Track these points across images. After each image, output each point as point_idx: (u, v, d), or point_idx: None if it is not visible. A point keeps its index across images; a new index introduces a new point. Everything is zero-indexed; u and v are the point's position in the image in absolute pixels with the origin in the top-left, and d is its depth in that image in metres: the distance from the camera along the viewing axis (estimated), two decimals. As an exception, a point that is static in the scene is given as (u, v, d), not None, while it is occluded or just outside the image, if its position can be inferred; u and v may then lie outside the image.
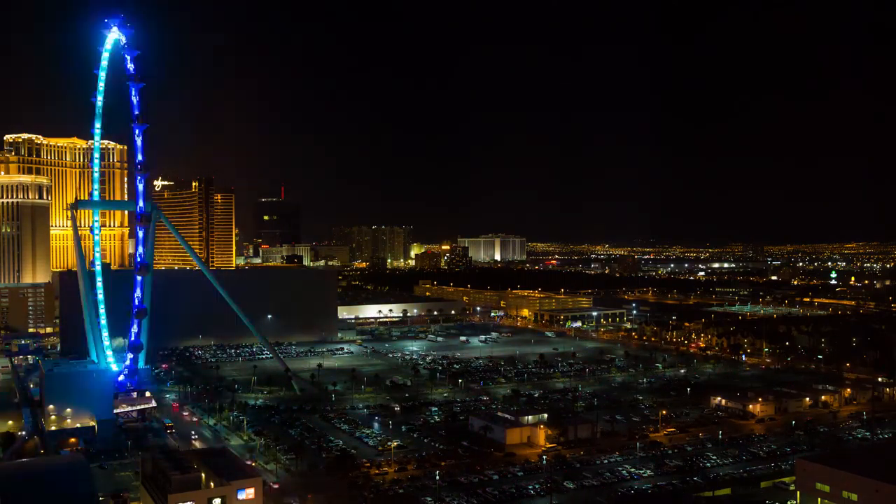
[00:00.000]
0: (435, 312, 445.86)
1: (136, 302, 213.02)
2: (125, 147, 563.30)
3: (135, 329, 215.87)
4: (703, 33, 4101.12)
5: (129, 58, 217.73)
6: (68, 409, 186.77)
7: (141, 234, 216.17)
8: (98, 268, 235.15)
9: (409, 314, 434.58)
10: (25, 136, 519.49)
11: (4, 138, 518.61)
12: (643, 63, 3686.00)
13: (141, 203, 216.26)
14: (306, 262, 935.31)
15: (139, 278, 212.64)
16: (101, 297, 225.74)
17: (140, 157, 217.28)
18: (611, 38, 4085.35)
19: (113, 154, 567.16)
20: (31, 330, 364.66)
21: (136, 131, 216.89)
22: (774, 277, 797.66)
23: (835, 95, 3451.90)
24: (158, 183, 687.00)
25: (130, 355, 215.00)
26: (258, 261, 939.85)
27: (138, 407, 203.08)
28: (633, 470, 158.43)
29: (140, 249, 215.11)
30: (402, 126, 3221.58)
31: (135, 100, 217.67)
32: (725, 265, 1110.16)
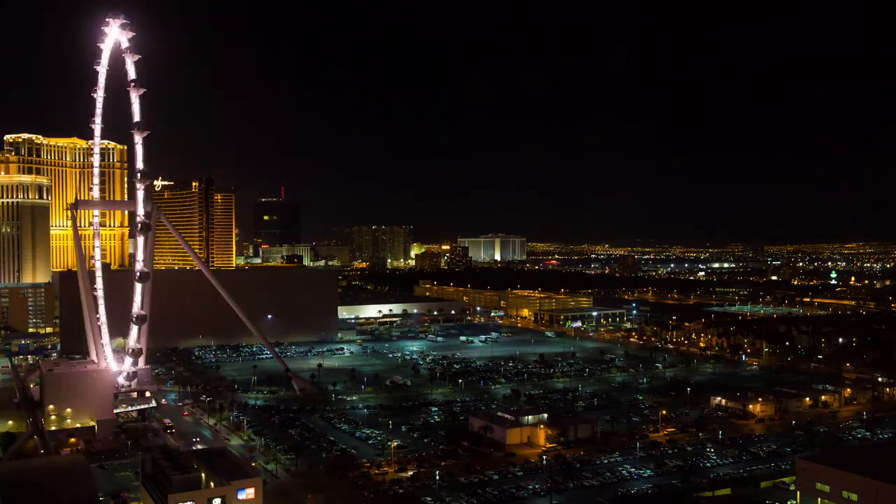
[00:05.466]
0: (435, 312, 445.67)
1: (136, 308, 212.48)
2: (125, 147, 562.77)
3: (134, 335, 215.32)
4: (704, 33, 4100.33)
5: (129, 62, 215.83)
6: (68, 409, 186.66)
7: (140, 242, 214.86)
8: (98, 268, 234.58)
9: (409, 314, 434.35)
10: (25, 136, 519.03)
11: (4, 138, 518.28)
12: (644, 63, 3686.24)
13: (141, 212, 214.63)
14: (306, 262, 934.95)
15: (139, 286, 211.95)
16: (100, 296, 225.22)
17: (140, 166, 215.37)
18: (611, 38, 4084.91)
19: (113, 154, 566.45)
20: (31, 330, 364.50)
21: (137, 139, 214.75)
22: (774, 277, 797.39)
23: (835, 95, 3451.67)
24: (158, 183, 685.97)
25: (129, 360, 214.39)
26: (258, 261, 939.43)
27: (138, 407, 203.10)
28: (633, 470, 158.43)
29: (140, 258, 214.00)
30: (403, 126, 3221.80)
31: (135, 107, 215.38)
32: (725, 265, 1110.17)
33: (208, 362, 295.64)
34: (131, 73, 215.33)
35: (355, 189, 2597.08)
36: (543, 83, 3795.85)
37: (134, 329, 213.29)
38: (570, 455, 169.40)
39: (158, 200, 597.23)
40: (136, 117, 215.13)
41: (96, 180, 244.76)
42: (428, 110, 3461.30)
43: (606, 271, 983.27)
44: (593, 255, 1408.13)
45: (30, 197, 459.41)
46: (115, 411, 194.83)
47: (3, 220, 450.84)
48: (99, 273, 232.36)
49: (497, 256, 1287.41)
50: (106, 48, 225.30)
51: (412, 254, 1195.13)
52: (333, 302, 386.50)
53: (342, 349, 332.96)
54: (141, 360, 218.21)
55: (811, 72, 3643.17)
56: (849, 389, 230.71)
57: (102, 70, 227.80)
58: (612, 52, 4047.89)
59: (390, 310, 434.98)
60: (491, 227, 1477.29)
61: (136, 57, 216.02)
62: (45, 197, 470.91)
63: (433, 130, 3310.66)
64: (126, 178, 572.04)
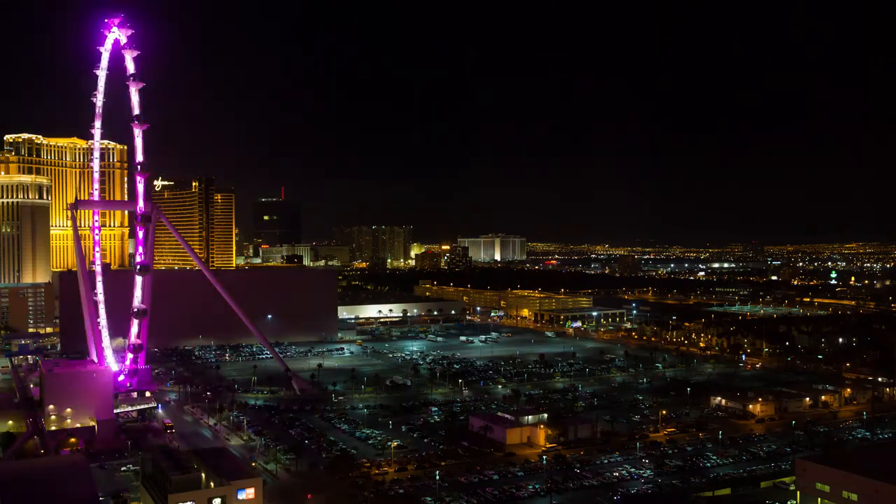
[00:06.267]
0: (435, 312, 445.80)
1: (136, 302, 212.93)
2: (125, 147, 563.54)
3: (134, 329, 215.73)
4: (704, 32, 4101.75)
5: (128, 57, 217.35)
6: (68, 409, 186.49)
7: (141, 234, 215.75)
8: (98, 268, 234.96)
9: (409, 314, 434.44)
10: (25, 136, 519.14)
11: (4, 138, 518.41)
12: (644, 63, 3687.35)
13: (141, 204, 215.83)
14: (306, 262, 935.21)
15: (139, 279, 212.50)
16: (101, 296, 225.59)
17: (140, 158, 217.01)
18: (611, 38, 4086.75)
19: (113, 154, 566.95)
20: (31, 330, 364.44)
21: (136, 132, 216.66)
22: (774, 277, 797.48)
23: (835, 95, 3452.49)
24: (158, 183, 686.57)
25: (130, 355, 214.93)
26: (258, 261, 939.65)
27: (138, 407, 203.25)
28: (633, 470, 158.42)
29: (140, 250, 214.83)
30: (403, 126, 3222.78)
31: (135, 100, 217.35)
32: (725, 265, 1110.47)
33: (208, 362, 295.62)
34: (130, 68, 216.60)
35: (355, 189, 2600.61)
36: (543, 83, 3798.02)
37: (134, 324, 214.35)
38: (570, 455, 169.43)
39: (158, 200, 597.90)
40: (136, 111, 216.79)
41: (96, 183, 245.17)
42: (428, 110, 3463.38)
43: (606, 271, 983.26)
44: (593, 255, 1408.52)
45: (30, 197, 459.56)
46: (115, 411, 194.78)
47: (3, 220, 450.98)
48: (99, 273, 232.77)
49: (497, 256, 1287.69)
50: (105, 51, 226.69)
51: (412, 254, 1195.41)
52: (333, 302, 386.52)
53: (342, 349, 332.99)
54: (141, 357, 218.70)
55: (811, 71, 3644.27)
56: (849, 389, 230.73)
57: (102, 74, 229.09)
58: (612, 53, 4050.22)
59: (390, 310, 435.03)
60: (491, 227, 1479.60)
61: (135, 53, 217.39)
62: (45, 197, 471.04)
63: (433, 130, 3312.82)
64: (126, 178, 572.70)
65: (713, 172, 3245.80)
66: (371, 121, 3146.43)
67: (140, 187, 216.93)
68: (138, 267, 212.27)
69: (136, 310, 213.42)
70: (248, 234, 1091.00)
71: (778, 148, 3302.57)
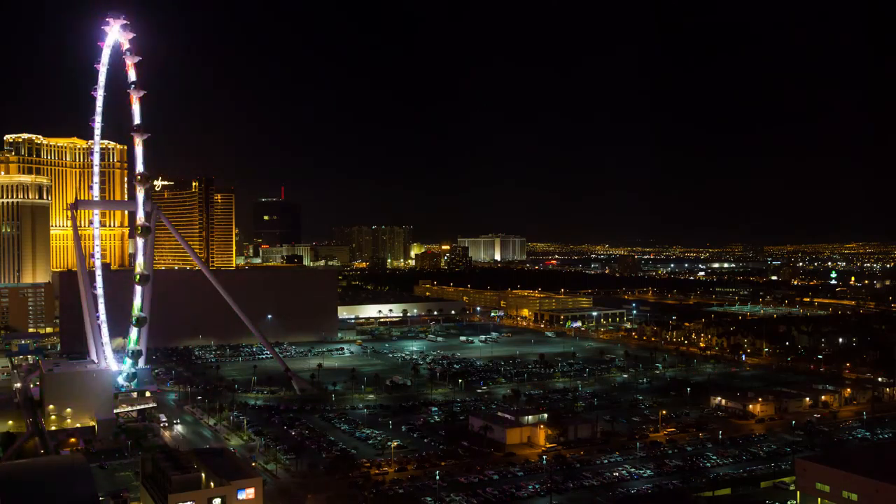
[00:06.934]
0: (435, 312, 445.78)
1: (136, 310, 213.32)
2: (125, 147, 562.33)
3: (133, 336, 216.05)
4: (705, 32, 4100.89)
5: (130, 64, 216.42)
6: (68, 409, 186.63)
7: (140, 244, 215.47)
8: (98, 268, 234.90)
9: (409, 314, 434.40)
10: (25, 136, 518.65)
11: (4, 138, 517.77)
12: (644, 63, 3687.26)
13: (141, 215, 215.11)
14: (306, 262, 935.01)
15: (139, 288, 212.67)
16: (100, 296, 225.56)
17: (140, 168, 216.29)
18: (610, 39, 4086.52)
19: (113, 154, 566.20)
20: (31, 330, 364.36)
21: (137, 141, 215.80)
22: (774, 277, 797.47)
23: (835, 94, 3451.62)
24: (158, 183, 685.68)
25: (129, 360, 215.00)
26: (258, 261, 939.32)
27: (138, 407, 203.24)
28: (633, 470, 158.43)
29: (140, 260, 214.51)
30: (403, 126, 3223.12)
31: (136, 109, 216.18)
32: (725, 265, 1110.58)
33: (208, 362, 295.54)
34: (132, 76, 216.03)
35: (355, 189, 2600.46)
36: (544, 83, 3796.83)
37: (133, 331, 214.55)
38: (570, 455, 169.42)
39: (158, 200, 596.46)
40: (137, 120, 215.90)
41: (96, 179, 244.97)
42: (428, 110, 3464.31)
43: (606, 271, 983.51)
44: (593, 255, 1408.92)
45: (30, 197, 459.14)
46: (115, 411, 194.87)
47: (3, 220, 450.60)
48: (99, 273, 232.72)
49: (497, 256, 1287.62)
50: (106, 47, 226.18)
51: (412, 254, 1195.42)
52: (333, 302, 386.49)
53: (342, 349, 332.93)
54: (141, 361, 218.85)
55: (810, 71, 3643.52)
56: (849, 389, 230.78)
57: (103, 69, 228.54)
58: (612, 53, 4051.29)
59: (390, 310, 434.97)
60: (491, 227, 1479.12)
61: (137, 59, 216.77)
62: (45, 197, 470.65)
63: (433, 130, 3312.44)
64: (126, 179, 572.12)
65: (713, 172, 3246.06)
66: (371, 121, 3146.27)
67: (140, 198, 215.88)
68: (138, 277, 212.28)
69: (135, 318, 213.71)
70: (248, 234, 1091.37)
71: (778, 148, 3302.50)
